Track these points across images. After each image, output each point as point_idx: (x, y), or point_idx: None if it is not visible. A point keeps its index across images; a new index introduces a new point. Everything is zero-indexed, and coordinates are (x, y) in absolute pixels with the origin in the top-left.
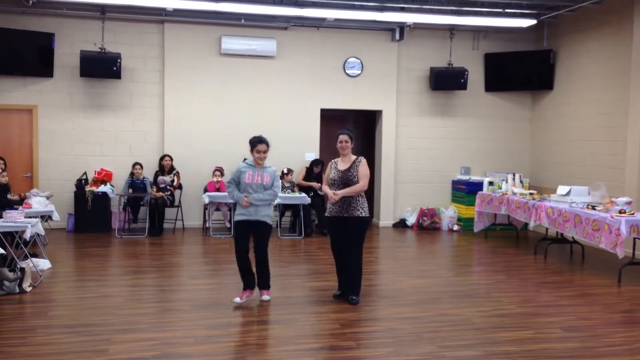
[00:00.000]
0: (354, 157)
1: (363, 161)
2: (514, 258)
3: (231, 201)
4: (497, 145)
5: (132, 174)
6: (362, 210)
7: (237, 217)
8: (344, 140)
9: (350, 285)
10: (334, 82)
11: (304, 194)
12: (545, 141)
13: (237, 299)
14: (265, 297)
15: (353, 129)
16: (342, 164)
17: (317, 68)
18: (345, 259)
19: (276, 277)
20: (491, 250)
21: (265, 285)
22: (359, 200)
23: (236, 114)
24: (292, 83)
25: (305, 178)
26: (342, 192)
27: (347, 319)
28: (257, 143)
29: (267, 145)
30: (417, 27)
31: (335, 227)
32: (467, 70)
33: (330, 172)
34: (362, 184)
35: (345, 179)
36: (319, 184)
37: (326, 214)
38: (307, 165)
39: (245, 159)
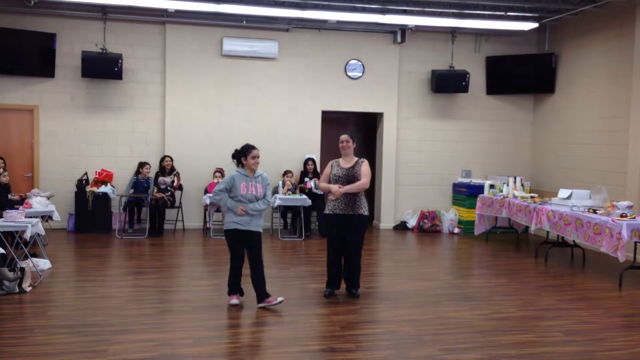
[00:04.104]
0: (356, 158)
1: (365, 162)
2: (515, 261)
3: None
4: (499, 149)
5: (138, 172)
6: (365, 209)
7: (230, 226)
8: (344, 140)
9: (352, 279)
10: (335, 84)
11: (304, 196)
12: (546, 144)
13: (236, 300)
14: (273, 301)
15: (355, 131)
16: (345, 162)
17: (319, 70)
18: (348, 255)
19: (276, 279)
20: (492, 253)
21: (265, 294)
22: (362, 199)
23: (237, 116)
24: (294, 85)
25: (301, 178)
26: (346, 188)
27: (347, 321)
28: (251, 149)
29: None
30: (418, 29)
31: (339, 224)
32: (468, 73)
33: (332, 170)
34: (365, 181)
35: (351, 176)
36: (310, 185)
37: (327, 212)
38: (302, 168)
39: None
